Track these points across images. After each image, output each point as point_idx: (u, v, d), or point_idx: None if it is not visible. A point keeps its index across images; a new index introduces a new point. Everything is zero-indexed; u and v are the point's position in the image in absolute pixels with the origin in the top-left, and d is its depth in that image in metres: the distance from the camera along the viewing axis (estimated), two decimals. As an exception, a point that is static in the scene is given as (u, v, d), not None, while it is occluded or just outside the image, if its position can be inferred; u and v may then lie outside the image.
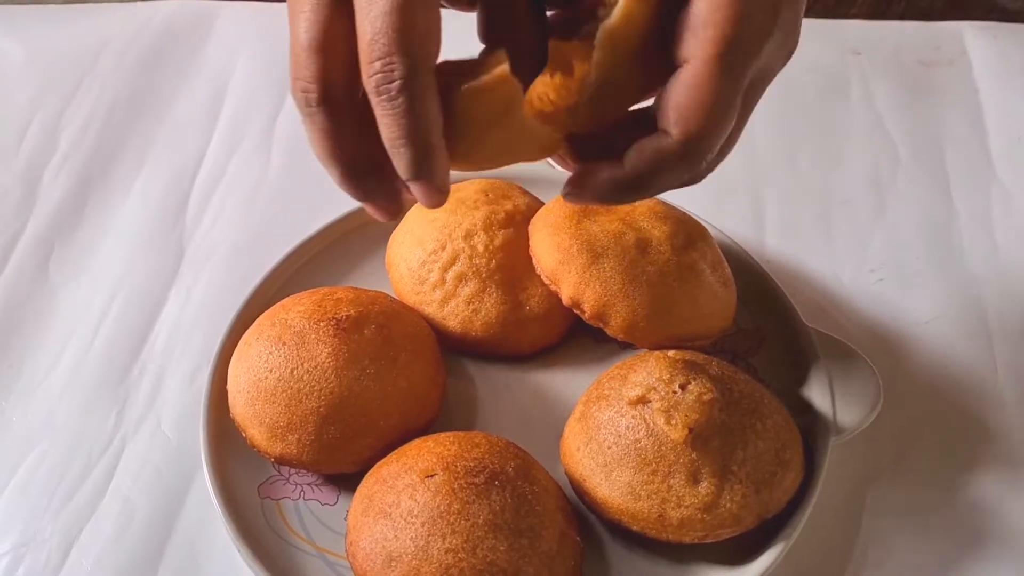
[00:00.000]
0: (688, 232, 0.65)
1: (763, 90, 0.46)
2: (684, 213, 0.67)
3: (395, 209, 0.48)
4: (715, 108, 0.43)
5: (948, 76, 0.92)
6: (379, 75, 0.42)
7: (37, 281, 0.77)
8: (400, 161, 0.44)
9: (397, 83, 0.41)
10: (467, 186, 0.70)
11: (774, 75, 0.46)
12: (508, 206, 0.68)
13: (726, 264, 0.67)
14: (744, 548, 0.57)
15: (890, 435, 0.65)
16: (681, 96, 0.43)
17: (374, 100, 0.43)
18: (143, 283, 0.77)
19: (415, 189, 0.46)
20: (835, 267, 0.77)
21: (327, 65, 0.44)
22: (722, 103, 0.43)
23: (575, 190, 0.48)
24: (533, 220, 0.66)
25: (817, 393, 0.63)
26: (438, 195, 0.46)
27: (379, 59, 0.41)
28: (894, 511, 0.62)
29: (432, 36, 0.42)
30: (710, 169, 0.47)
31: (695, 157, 0.44)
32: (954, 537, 0.61)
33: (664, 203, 0.66)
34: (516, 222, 0.67)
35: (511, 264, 0.66)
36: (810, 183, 0.84)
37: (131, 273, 0.77)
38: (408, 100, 0.42)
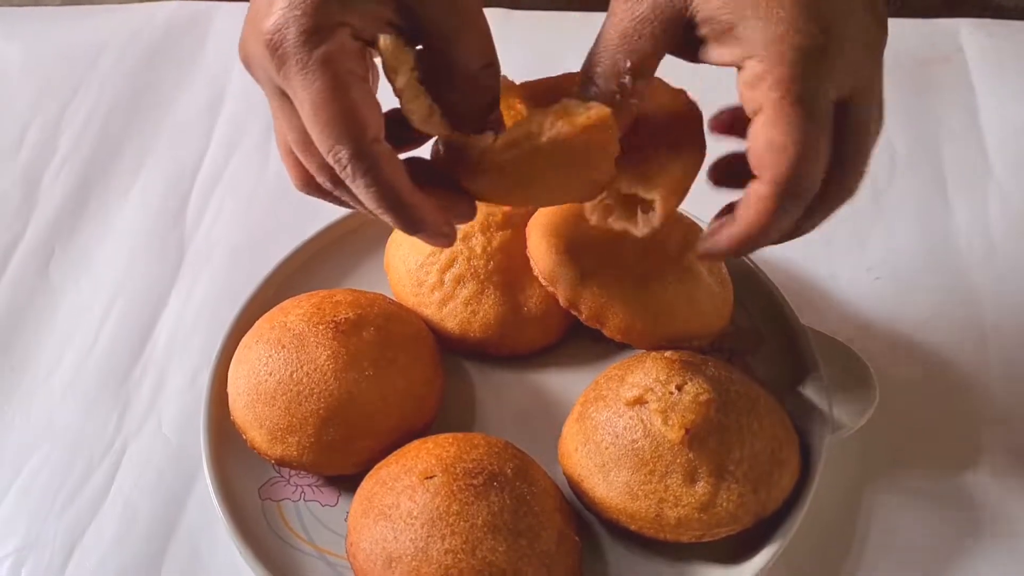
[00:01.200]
0: (685, 233, 0.65)
1: (869, 99, 0.47)
2: (681, 214, 0.67)
3: (441, 241, 0.51)
4: (793, 145, 0.44)
5: (944, 74, 0.92)
6: (336, 165, 0.45)
7: (38, 284, 0.77)
8: (393, 224, 0.48)
9: (348, 167, 0.45)
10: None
11: (872, 77, 0.48)
12: (506, 207, 0.68)
13: (723, 264, 0.67)
14: (741, 547, 0.57)
15: (886, 434, 0.66)
16: (758, 142, 0.45)
17: (347, 184, 0.47)
18: (143, 285, 0.77)
19: (421, 240, 0.50)
20: (832, 266, 0.77)
21: (297, 163, 0.49)
22: (799, 138, 0.44)
23: (708, 251, 0.50)
24: (530, 222, 0.66)
25: (813, 392, 0.63)
26: (442, 239, 0.50)
27: (328, 152, 0.45)
28: (890, 509, 0.63)
29: (361, 113, 0.44)
30: (825, 212, 0.49)
31: (791, 199, 0.45)
32: (950, 535, 0.62)
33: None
34: (514, 223, 0.67)
35: (509, 265, 0.66)
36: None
37: (131, 275, 0.78)
38: (364, 176, 0.45)
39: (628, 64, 0.47)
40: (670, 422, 0.55)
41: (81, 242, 0.80)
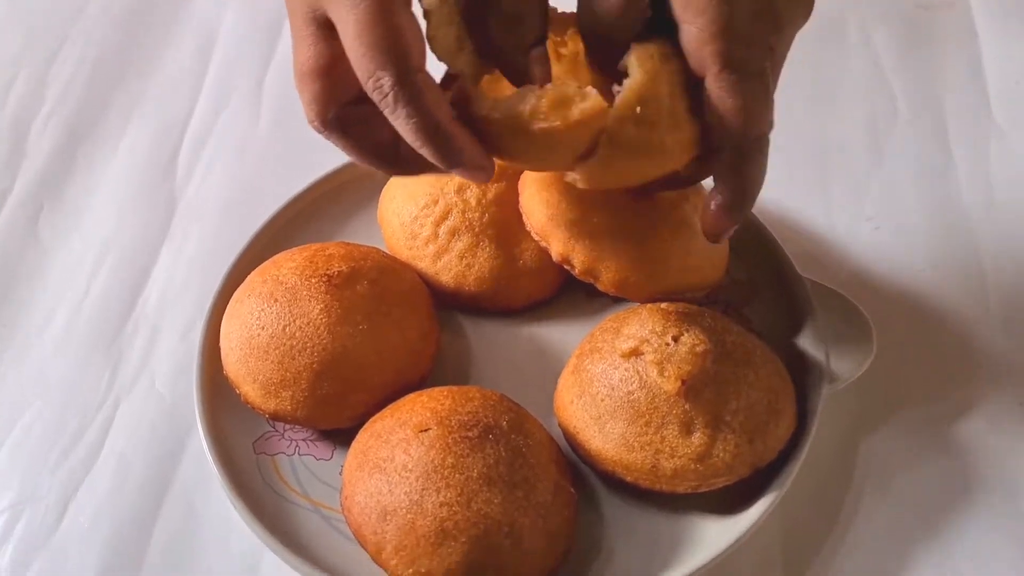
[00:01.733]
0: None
1: (787, 49, 0.49)
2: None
3: (479, 175, 0.49)
4: (747, 106, 0.46)
5: (947, 20, 0.90)
6: (375, 93, 0.44)
7: (27, 239, 0.77)
8: (431, 157, 0.47)
9: (391, 95, 0.44)
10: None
11: (795, 33, 0.48)
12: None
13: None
14: (737, 498, 0.57)
15: (883, 384, 0.65)
16: (716, 109, 0.46)
17: (385, 114, 0.45)
18: (134, 240, 0.76)
19: (457, 175, 0.49)
20: (830, 216, 0.76)
21: (319, 96, 0.47)
22: (750, 99, 0.46)
23: (712, 231, 0.52)
24: (523, 175, 0.65)
25: (810, 343, 0.63)
26: (480, 173, 0.49)
27: (368, 79, 0.44)
28: (887, 459, 0.63)
29: (406, 39, 0.44)
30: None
31: (756, 147, 0.48)
32: (946, 485, 0.62)
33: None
34: (508, 176, 0.66)
35: (504, 218, 0.65)
36: (805, 130, 0.83)
37: (122, 230, 0.77)
38: (407, 105, 0.44)
39: None
40: (666, 373, 0.55)
41: (70, 197, 0.80)
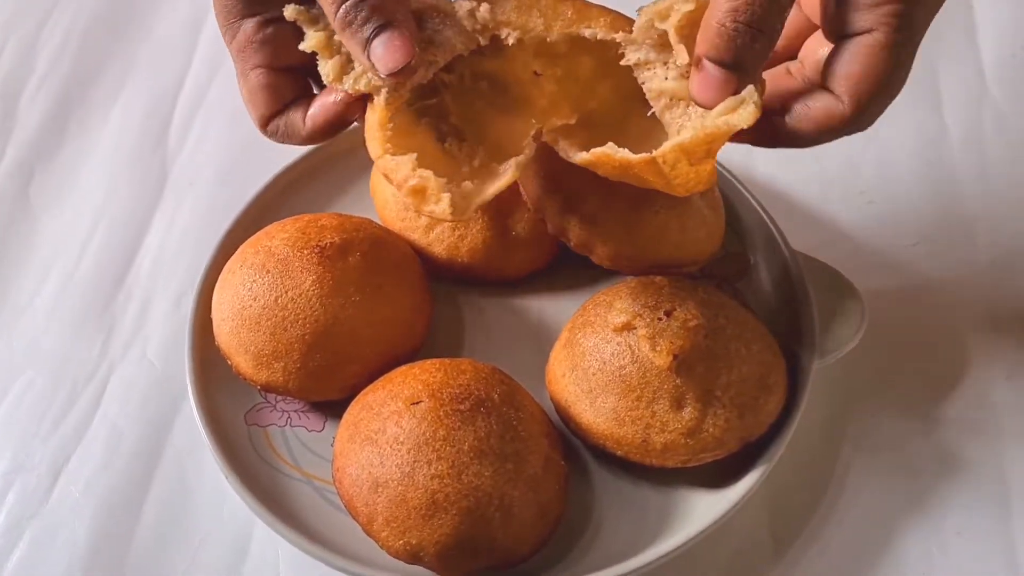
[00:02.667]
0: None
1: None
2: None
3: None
4: (892, 81, 0.46)
5: (943, -11, 0.90)
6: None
7: (18, 206, 0.76)
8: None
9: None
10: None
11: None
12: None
13: (716, 188, 0.66)
14: (727, 472, 0.57)
15: (874, 359, 0.66)
16: (857, 67, 0.45)
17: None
18: (126, 208, 0.76)
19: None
20: (824, 189, 0.76)
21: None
22: (898, 76, 0.46)
23: (758, 137, 0.49)
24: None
25: (802, 317, 0.63)
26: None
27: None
28: (875, 435, 0.63)
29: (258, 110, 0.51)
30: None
31: (865, 123, 0.47)
32: (935, 459, 0.62)
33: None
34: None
35: (497, 189, 0.65)
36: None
37: (114, 198, 0.77)
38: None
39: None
40: (658, 348, 0.55)
41: (61, 164, 0.79)
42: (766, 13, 0.44)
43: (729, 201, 0.68)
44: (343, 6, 0.47)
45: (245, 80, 0.52)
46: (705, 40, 0.46)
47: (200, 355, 0.61)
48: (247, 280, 0.60)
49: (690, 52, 0.48)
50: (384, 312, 0.60)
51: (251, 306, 0.59)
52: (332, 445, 0.58)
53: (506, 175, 0.52)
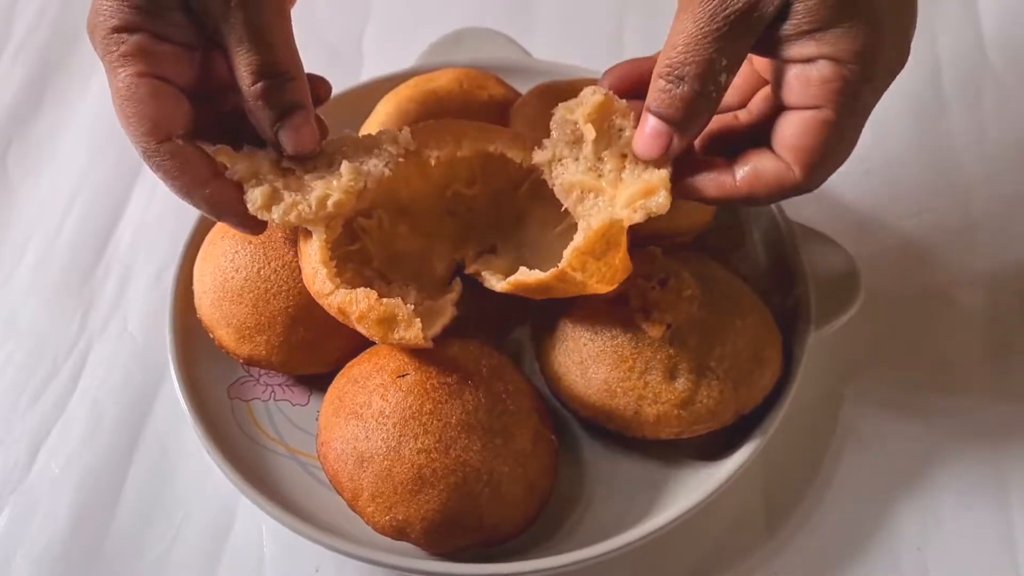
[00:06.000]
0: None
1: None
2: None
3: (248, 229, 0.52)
4: (839, 151, 0.47)
5: (943, -43, 0.88)
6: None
7: (-5, 177, 0.75)
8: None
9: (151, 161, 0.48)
10: (442, 75, 0.67)
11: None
12: (484, 96, 0.66)
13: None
14: (720, 444, 0.56)
15: (870, 330, 0.65)
16: (807, 140, 0.47)
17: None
18: (106, 179, 0.74)
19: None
20: (820, 158, 0.75)
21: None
22: (845, 148, 0.47)
23: (683, 189, 0.51)
24: (511, 114, 0.63)
25: (797, 288, 0.62)
26: (247, 228, 0.51)
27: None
28: (871, 408, 0.62)
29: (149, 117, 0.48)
30: None
31: (815, 187, 0.49)
32: (929, 435, 0.61)
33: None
34: (492, 114, 0.64)
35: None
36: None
37: (93, 169, 0.75)
38: (164, 174, 0.49)
39: (725, 62, 0.46)
40: (651, 318, 0.54)
41: (39, 133, 0.77)
42: (698, 72, 0.46)
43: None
44: (261, 81, 0.48)
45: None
46: (649, 93, 0.48)
47: (182, 328, 0.60)
48: (229, 252, 0.58)
49: (600, 141, 0.51)
50: (369, 283, 0.59)
51: (233, 278, 0.57)
52: (317, 419, 0.57)
53: (446, 313, 0.54)
